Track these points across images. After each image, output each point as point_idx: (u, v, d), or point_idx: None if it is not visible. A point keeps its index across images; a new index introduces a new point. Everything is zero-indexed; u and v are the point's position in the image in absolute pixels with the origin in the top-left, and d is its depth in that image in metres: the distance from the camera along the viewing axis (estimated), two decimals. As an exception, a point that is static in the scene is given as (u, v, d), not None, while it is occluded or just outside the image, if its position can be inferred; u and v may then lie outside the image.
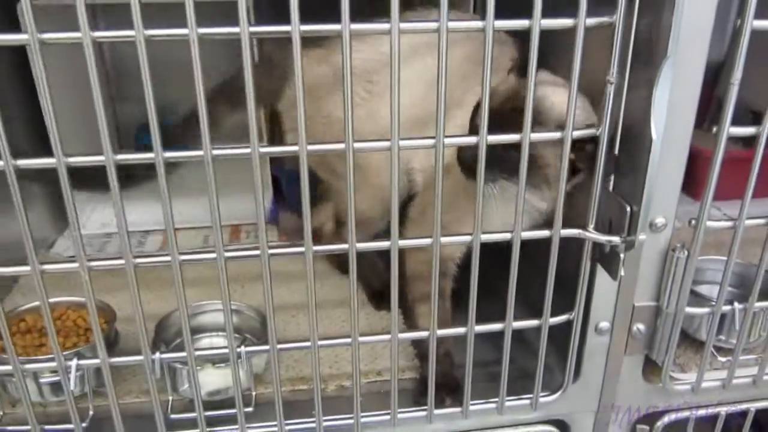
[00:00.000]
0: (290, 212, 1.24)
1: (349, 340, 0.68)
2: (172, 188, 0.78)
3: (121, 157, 0.58)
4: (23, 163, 0.58)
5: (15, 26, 1.13)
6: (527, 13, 0.57)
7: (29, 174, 0.58)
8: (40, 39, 0.53)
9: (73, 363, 0.67)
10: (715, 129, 0.65)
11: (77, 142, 0.57)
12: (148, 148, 0.57)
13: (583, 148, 0.66)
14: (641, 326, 0.77)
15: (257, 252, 0.62)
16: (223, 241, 0.62)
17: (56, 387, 0.76)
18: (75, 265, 0.62)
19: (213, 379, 0.76)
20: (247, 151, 0.58)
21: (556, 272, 0.68)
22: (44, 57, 0.53)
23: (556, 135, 0.62)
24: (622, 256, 0.67)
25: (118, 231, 0.61)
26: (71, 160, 0.58)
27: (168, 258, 0.62)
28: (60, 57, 0.54)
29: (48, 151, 0.55)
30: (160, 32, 0.54)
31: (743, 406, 0.87)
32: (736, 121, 0.64)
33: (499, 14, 0.56)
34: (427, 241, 0.64)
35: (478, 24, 0.57)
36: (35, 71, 0.55)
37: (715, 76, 1.37)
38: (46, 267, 0.62)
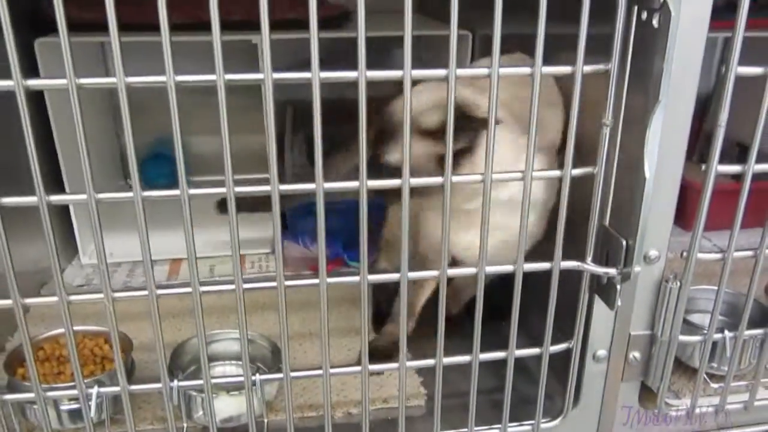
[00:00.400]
0: (294, 243, 1.27)
1: (359, 368, 0.71)
2: (175, 219, 0.81)
3: (147, 194, 0.62)
4: (56, 199, 0.61)
5: (31, 61, 1.17)
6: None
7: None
8: (77, 84, 0.57)
9: (94, 390, 0.69)
10: (704, 167, 0.69)
11: (81, 175, 0.60)
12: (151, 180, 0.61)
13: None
14: (637, 354, 0.80)
15: (274, 283, 0.65)
16: (234, 272, 0.65)
17: (74, 414, 0.78)
18: (100, 295, 0.65)
19: (227, 407, 0.79)
20: (267, 188, 0.62)
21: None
22: (54, 94, 0.56)
23: (556, 173, 0.66)
24: (618, 287, 0.71)
25: (143, 262, 0.64)
26: (101, 196, 0.61)
27: (189, 289, 0.65)
28: (62, 92, 0.58)
29: (56, 182, 0.58)
30: (189, 78, 0.58)
31: (735, 432, 0.90)
32: (724, 154, 0.68)
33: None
34: (434, 273, 0.68)
35: (484, 71, 0.61)
36: (74, 114, 0.58)
37: (702, 109, 1.42)
38: (73, 298, 0.65)
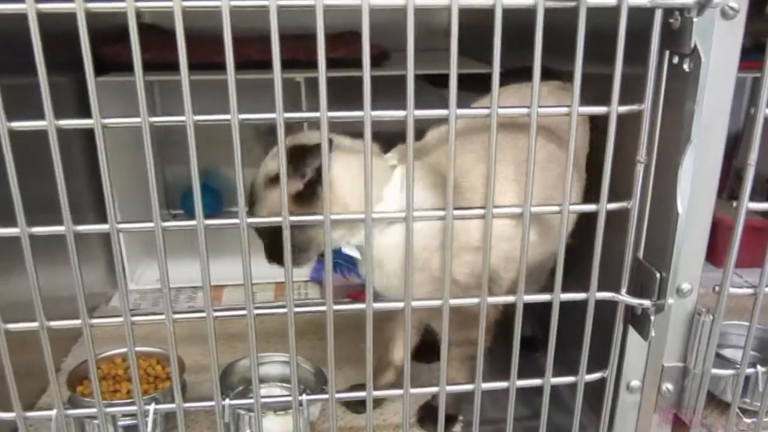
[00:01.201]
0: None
1: (400, 391, 0.74)
2: (222, 247, 0.86)
3: (209, 222, 0.66)
4: (124, 227, 0.66)
5: (83, 98, 1.23)
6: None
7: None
8: (150, 122, 0.62)
9: (151, 407, 0.73)
10: (735, 204, 0.71)
11: (132, 202, 0.65)
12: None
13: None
14: (670, 385, 0.81)
15: (323, 308, 0.69)
16: (287, 297, 0.69)
17: (129, 430, 0.82)
18: (162, 316, 0.69)
19: (273, 426, 0.82)
20: (320, 218, 0.66)
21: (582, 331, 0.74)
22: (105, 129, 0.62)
23: (591, 207, 0.70)
24: (652, 318, 0.74)
25: (202, 286, 0.69)
26: (166, 225, 0.66)
27: (244, 312, 0.69)
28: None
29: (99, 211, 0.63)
30: (251, 117, 0.63)
31: (769, 467, 0.90)
32: (753, 191, 0.70)
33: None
34: (475, 300, 0.71)
35: (523, 111, 0.65)
36: (145, 150, 0.63)
37: (732, 147, 1.44)
38: (136, 319, 0.70)
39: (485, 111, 0.64)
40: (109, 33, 1.11)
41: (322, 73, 0.60)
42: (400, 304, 0.71)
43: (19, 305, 0.69)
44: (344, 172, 0.83)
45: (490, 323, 0.92)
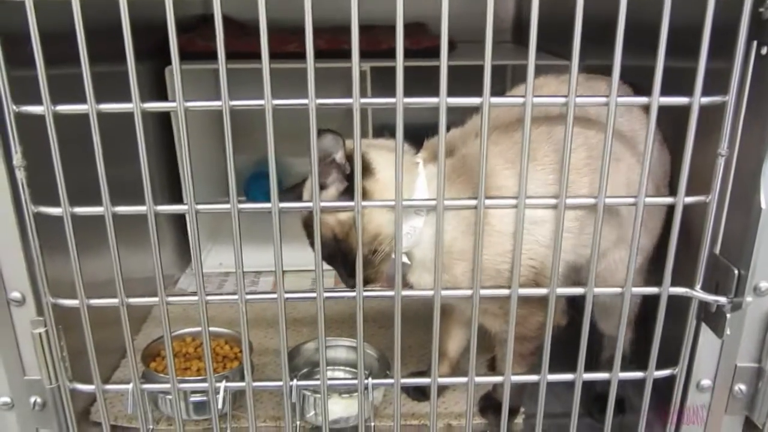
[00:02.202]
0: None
1: (465, 379, 0.74)
2: (283, 232, 0.87)
3: (284, 205, 0.67)
4: (202, 208, 0.68)
5: (160, 87, 1.27)
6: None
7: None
8: (230, 106, 0.64)
9: (222, 385, 0.75)
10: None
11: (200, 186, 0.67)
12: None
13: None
14: (743, 386, 0.79)
15: (392, 293, 0.70)
16: (357, 282, 0.70)
17: (199, 406, 0.85)
18: (235, 297, 0.71)
19: (338, 408, 0.83)
20: (352, 204, 0.67)
21: (651, 328, 0.73)
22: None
23: (669, 200, 0.68)
24: (728, 316, 0.71)
25: (274, 270, 0.70)
26: (242, 206, 0.68)
27: (314, 295, 0.70)
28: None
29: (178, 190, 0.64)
30: (328, 101, 0.64)
31: None
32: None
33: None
34: (544, 291, 0.71)
35: (602, 100, 0.65)
36: (225, 134, 0.65)
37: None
38: (210, 298, 0.72)
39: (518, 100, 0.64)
40: (179, 23, 1.14)
41: (399, 62, 0.61)
42: (430, 293, 0.71)
43: (93, 286, 0.72)
44: (381, 164, 0.82)
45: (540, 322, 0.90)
